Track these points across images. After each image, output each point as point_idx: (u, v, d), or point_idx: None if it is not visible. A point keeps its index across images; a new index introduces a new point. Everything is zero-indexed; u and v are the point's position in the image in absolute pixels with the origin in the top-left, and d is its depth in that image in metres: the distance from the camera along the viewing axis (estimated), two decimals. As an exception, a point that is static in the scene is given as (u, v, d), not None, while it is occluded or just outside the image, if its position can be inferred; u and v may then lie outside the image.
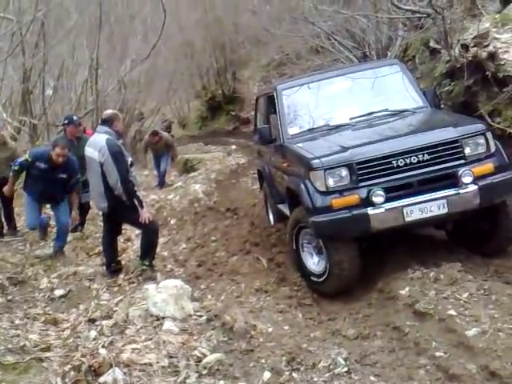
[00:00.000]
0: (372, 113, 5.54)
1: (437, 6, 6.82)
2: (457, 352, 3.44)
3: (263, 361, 3.68)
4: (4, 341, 4.07)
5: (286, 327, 4.20)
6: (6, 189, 6.72)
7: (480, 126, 4.81)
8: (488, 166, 4.61)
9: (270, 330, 4.10)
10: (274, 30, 14.08)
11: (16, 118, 11.38)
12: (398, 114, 5.50)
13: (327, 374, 3.45)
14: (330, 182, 4.57)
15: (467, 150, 4.61)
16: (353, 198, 4.53)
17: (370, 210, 4.45)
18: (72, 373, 3.54)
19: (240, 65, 24.44)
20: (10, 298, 5.20)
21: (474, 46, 6.56)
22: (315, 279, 4.90)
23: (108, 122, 5.73)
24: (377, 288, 4.63)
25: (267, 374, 3.52)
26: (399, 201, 4.51)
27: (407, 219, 4.49)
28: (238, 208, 8.36)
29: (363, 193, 4.51)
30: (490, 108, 6.38)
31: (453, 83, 6.90)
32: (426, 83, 8.00)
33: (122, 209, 5.54)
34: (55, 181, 6.45)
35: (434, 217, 4.55)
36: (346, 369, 3.48)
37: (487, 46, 6.48)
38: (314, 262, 4.98)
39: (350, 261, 4.64)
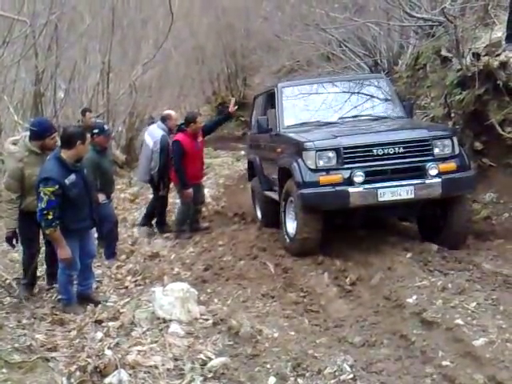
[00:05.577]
0: (358, 116, 6.54)
1: (449, 15, 6.82)
2: (464, 362, 3.41)
3: (268, 366, 3.66)
4: (11, 340, 4.09)
5: (292, 333, 4.18)
6: (62, 254, 4.75)
7: (448, 131, 5.82)
8: (451, 165, 5.43)
9: (276, 335, 4.08)
10: (286, 36, 14.08)
11: (27, 119, 11.42)
12: (380, 119, 6.45)
13: (333, 381, 3.43)
14: (320, 162, 5.43)
15: (436, 150, 5.44)
16: (337, 176, 5.37)
17: (350, 188, 5.27)
18: (78, 373, 3.56)
19: (251, 71, 24.52)
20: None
21: (486, 54, 6.55)
22: (288, 240, 5.90)
23: (164, 119, 7.93)
24: (384, 296, 4.61)
25: (272, 379, 3.50)
26: (375, 184, 5.32)
27: (380, 199, 5.29)
28: (245, 213, 8.37)
29: (346, 173, 5.35)
30: (500, 117, 6.37)
31: (464, 92, 6.88)
32: (437, 91, 7.98)
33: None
34: (89, 183, 5.02)
35: (402, 200, 5.34)
36: (351, 376, 3.45)
37: (499, 55, 6.47)
38: (292, 227, 5.84)
39: (312, 231, 5.55)
